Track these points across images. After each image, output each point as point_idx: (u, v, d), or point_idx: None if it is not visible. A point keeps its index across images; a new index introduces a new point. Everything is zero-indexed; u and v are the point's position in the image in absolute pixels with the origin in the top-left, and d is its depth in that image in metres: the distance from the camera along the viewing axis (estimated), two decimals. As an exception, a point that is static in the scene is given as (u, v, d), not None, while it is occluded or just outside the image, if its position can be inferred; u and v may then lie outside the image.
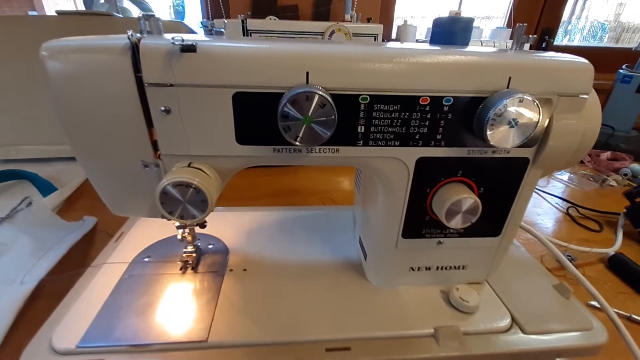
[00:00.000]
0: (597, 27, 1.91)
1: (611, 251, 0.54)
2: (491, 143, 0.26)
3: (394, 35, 1.17)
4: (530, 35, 0.31)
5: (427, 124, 0.28)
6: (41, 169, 0.69)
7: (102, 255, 0.40)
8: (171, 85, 0.25)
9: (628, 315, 0.43)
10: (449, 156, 0.29)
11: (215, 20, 0.66)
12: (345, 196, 0.69)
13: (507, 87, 0.26)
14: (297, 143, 0.25)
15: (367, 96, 0.26)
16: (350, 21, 0.84)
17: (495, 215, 0.33)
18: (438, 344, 0.31)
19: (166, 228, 0.43)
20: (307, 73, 0.25)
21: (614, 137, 0.98)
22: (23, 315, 0.37)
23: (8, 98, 0.73)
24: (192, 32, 0.80)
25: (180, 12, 1.86)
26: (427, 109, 0.27)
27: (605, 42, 1.93)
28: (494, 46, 0.85)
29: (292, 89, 0.24)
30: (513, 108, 0.25)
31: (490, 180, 0.31)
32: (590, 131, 0.29)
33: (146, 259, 0.39)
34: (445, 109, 0.27)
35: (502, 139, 0.26)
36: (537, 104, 0.25)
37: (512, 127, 0.26)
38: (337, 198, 0.69)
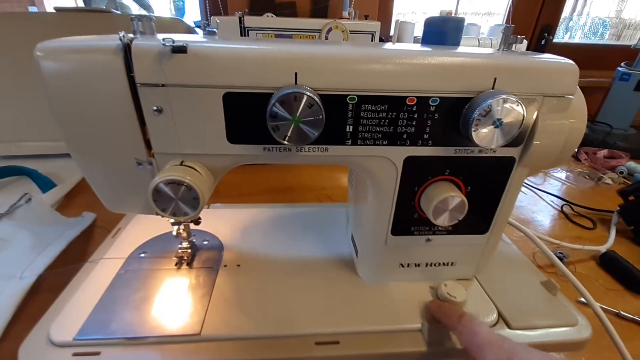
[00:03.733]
0: (599, 23, 1.90)
1: (603, 248, 0.55)
2: (476, 142, 0.27)
3: (392, 33, 1.17)
4: (519, 36, 0.31)
5: (414, 123, 0.28)
6: (40, 165, 0.69)
7: (100, 251, 0.41)
8: (163, 85, 0.25)
9: (617, 311, 0.44)
10: (436, 155, 0.30)
11: (212, 18, 0.66)
12: (341, 193, 0.70)
13: (493, 88, 0.27)
14: (286, 142, 0.26)
15: (355, 96, 0.27)
16: (348, 18, 0.84)
17: (482, 213, 0.34)
18: (425, 337, 0.32)
19: (162, 224, 0.43)
20: (296, 74, 0.25)
21: (611, 135, 0.98)
22: (22, 309, 0.38)
23: (7, 94, 0.73)
24: (190, 29, 0.80)
25: (180, 8, 1.85)
26: (414, 109, 0.27)
27: (607, 39, 1.92)
28: (492, 44, 0.85)
29: (280, 89, 0.25)
30: (497, 108, 0.26)
31: (477, 179, 0.31)
32: (576, 130, 0.30)
33: (142, 255, 0.40)
34: (432, 109, 0.28)
35: (486, 138, 0.27)
36: (521, 105, 0.26)
37: (496, 127, 0.26)
38: (333, 195, 0.69)
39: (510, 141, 0.27)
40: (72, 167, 0.72)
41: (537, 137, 0.29)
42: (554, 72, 0.27)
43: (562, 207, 0.69)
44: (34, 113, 0.74)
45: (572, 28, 1.87)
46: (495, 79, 0.27)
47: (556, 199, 0.73)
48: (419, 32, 1.15)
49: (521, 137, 0.29)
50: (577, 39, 1.85)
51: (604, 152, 0.91)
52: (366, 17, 0.84)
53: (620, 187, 0.66)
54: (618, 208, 0.64)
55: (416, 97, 0.27)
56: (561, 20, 1.26)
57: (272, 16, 0.77)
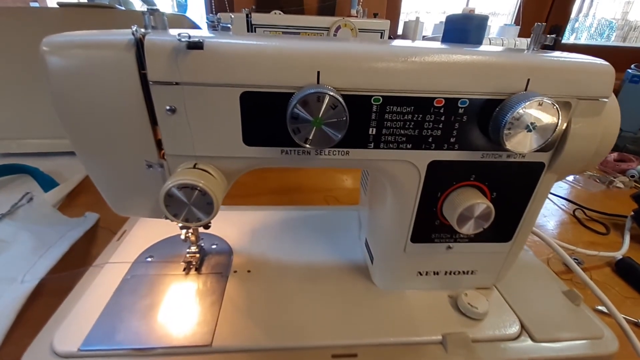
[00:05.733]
0: (605, 25, 1.89)
1: (618, 255, 0.54)
2: (507, 147, 0.25)
3: (399, 32, 1.15)
4: (548, 35, 0.30)
5: (440, 126, 0.27)
6: (42, 164, 0.68)
7: (104, 255, 0.40)
8: (177, 83, 0.24)
9: (636, 320, 0.42)
10: (462, 160, 0.28)
11: (220, 15, 0.65)
12: (349, 194, 0.69)
13: (526, 90, 0.25)
14: (307, 145, 0.25)
15: (380, 97, 0.25)
16: (356, 16, 0.83)
17: (507, 221, 0.32)
18: (446, 351, 0.30)
19: (169, 227, 0.42)
20: (318, 73, 0.24)
21: (621, 138, 0.97)
22: (23, 314, 0.37)
23: (9, 91, 0.72)
24: (195, 25, 0.78)
25: (182, 4, 1.83)
26: (442, 111, 0.26)
27: (613, 40, 1.91)
28: (503, 44, 0.84)
29: (302, 89, 0.24)
30: (531, 111, 0.24)
31: (503, 185, 0.30)
32: (609, 135, 0.28)
33: (149, 259, 0.39)
34: (460, 111, 0.26)
35: (518, 143, 0.25)
36: (556, 108, 0.24)
37: (529, 131, 0.25)
38: (340, 196, 0.68)
39: (542, 146, 0.26)
40: (75, 166, 0.71)
41: (570, 142, 0.27)
42: (589, 73, 0.26)
43: (574, 212, 0.68)
44: (36, 110, 0.72)
45: (578, 29, 1.86)
46: (528, 80, 0.25)
47: (566, 202, 0.71)
48: (425, 31, 1.14)
49: (553, 141, 0.27)
50: (583, 40, 1.83)
51: (614, 155, 0.90)
52: (375, 16, 0.82)
53: (633, 192, 0.65)
54: (632, 213, 0.62)
55: (444, 98, 0.25)
56: (568, 21, 1.24)
57: (279, 13, 0.75)
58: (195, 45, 0.23)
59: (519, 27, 1.08)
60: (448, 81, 0.25)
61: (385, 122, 0.26)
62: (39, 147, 0.75)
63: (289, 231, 0.45)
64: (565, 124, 0.27)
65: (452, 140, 0.27)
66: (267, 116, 0.25)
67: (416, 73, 0.25)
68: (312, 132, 0.24)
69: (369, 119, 0.26)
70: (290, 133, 0.24)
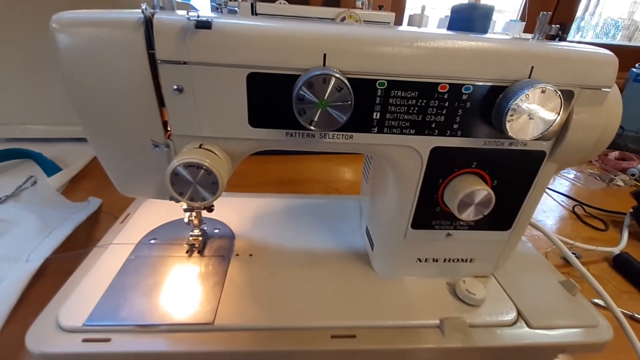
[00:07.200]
0: (611, 24, 1.87)
1: (616, 250, 0.54)
2: (509, 134, 0.26)
3: (404, 25, 1.14)
4: (553, 25, 0.30)
5: (444, 112, 0.27)
6: (45, 149, 0.68)
7: (108, 236, 0.40)
8: (184, 63, 0.24)
9: (631, 314, 0.43)
10: (464, 147, 0.29)
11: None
12: (349, 186, 0.69)
13: (529, 77, 0.26)
14: (312, 127, 0.25)
15: (385, 81, 0.25)
16: (361, 8, 0.82)
17: (506, 209, 0.33)
18: (443, 334, 0.31)
19: (172, 211, 0.43)
20: (325, 55, 0.24)
21: (622, 137, 0.97)
22: (28, 293, 0.37)
23: (14, 76, 0.72)
24: (199, 14, 0.78)
25: (186, -6, 1.82)
26: (446, 96, 0.26)
27: (618, 40, 1.89)
28: (507, 39, 0.83)
29: (308, 71, 0.24)
30: (534, 98, 0.24)
31: (504, 173, 0.30)
32: (610, 126, 0.29)
33: (152, 241, 0.39)
34: (464, 97, 0.26)
35: (521, 130, 0.26)
36: (559, 95, 0.24)
37: (532, 118, 0.25)
38: (341, 188, 0.68)
39: (544, 134, 0.26)
40: (78, 152, 0.71)
41: (571, 131, 0.27)
42: (593, 63, 0.26)
43: (573, 208, 0.68)
44: (40, 96, 0.72)
45: (584, 28, 1.85)
46: (532, 67, 0.25)
47: (566, 199, 0.72)
48: (430, 26, 1.13)
49: (554, 130, 0.28)
50: (589, 39, 1.82)
51: (615, 154, 0.90)
52: (380, 8, 0.82)
53: (633, 190, 0.65)
54: (631, 210, 0.63)
55: (449, 84, 0.26)
56: (574, 19, 1.24)
57: (284, 3, 0.75)
58: (204, 25, 0.23)
59: (524, 23, 1.07)
60: (453, 67, 0.25)
61: (390, 107, 0.26)
62: (42, 133, 0.75)
63: (291, 218, 0.46)
64: (567, 113, 0.27)
65: (455, 126, 0.28)
66: (273, 98, 0.26)
67: (421, 58, 0.25)
68: (318, 114, 0.24)
69: (374, 103, 0.26)
70: (296, 114, 0.24)
